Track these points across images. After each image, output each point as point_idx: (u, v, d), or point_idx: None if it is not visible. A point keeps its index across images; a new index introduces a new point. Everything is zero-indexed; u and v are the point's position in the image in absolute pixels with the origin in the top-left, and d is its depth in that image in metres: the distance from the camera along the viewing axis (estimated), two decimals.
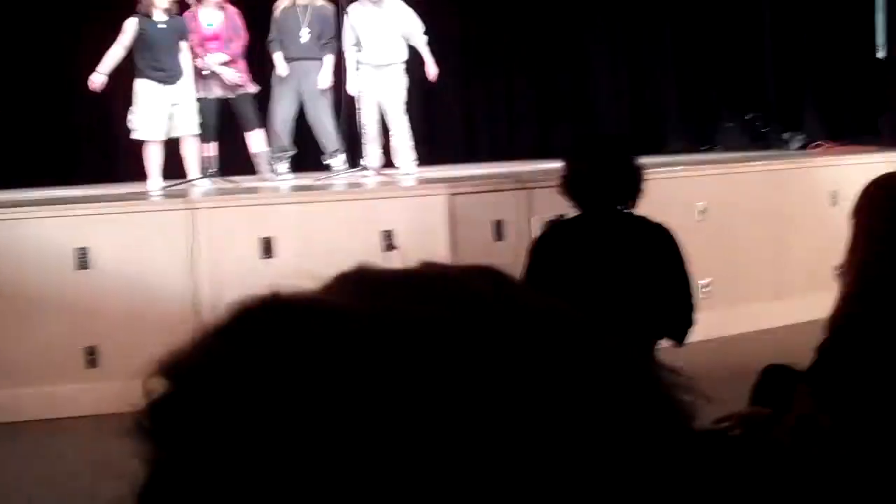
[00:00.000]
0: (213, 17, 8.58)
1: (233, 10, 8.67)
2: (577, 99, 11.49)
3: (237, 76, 8.57)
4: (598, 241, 3.69)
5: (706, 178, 7.56)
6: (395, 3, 8.70)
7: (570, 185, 3.74)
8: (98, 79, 7.97)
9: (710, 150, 10.75)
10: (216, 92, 8.57)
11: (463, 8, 11.13)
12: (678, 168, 7.69)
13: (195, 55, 8.35)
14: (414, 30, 8.72)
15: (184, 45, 8.14)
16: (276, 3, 8.77)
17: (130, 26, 7.96)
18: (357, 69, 8.65)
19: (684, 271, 3.74)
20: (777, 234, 7.61)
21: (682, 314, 3.71)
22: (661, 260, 3.70)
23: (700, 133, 11.34)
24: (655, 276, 3.68)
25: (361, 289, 0.56)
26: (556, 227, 3.83)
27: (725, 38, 11.51)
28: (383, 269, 0.59)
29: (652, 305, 3.65)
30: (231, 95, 8.64)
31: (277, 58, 8.71)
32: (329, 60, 8.68)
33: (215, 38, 8.55)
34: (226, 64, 8.54)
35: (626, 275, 3.64)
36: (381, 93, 8.65)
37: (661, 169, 7.27)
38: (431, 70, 8.84)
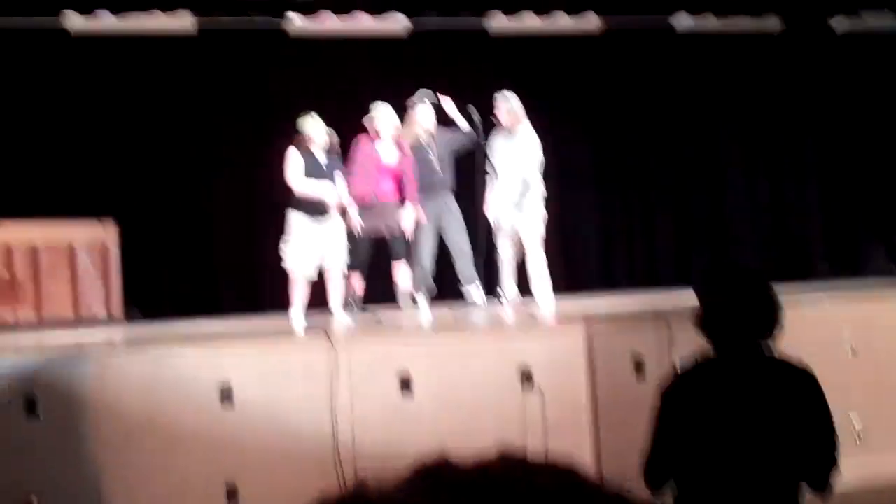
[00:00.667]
0: (390, 152, 8.41)
1: (407, 147, 8.49)
2: (715, 224, 11.33)
3: (412, 219, 8.42)
4: (736, 389, 3.55)
5: (854, 312, 7.29)
6: (527, 134, 8.69)
7: (704, 321, 3.61)
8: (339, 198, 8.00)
9: (854, 275, 10.44)
10: (376, 229, 8.35)
11: (597, 135, 11.16)
12: (824, 301, 7.45)
13: (364, 188, 8.23)
14: (533, 159, 8.67)
15: (340, 180, 8.03)
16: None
17: (295, 156, 7.93)
18: (495, 198, 8.70)
19: (827, 417, 3.58)
20: None
21: (824, 461, 3.54)
22: (802, 407, 3.55)
23: (844, 257, 11.07)
24: (796, 425, 3.53)
25: (436, 490, 0.65)
26: (688, 374, 3.68)
27: (867, 159, 11.30)
28: (459, 467, 0.67)
29: (792, 454, 3.50)
30: (389, 235, 8.42)
31: (417, 206, 8.48)
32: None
33: (392, 174, 8.40)
34: (398, 203, 8.40)
35: (766, 424, 3.50)
36: (518, 223, 8.66)
37: (805, 300, 7.09)
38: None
